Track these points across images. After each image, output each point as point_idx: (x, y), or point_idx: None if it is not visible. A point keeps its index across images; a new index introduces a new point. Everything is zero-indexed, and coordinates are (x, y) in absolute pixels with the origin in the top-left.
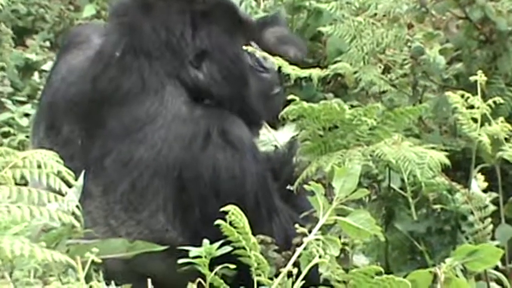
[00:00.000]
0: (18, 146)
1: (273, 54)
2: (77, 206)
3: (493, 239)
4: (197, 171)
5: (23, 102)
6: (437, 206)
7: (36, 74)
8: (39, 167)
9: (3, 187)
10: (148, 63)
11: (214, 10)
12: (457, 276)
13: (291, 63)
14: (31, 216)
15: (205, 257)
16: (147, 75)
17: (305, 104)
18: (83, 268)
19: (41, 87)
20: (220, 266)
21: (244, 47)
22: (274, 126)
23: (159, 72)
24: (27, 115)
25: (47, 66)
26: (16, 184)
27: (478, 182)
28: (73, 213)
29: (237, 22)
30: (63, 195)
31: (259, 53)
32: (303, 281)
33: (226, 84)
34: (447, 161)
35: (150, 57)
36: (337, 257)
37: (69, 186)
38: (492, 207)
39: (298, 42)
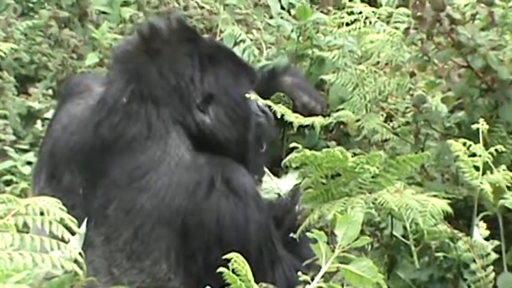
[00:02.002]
0: (20, 194)
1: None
2: (80, 253)
3: (495, 287)
4: (200, 219)
5: (25, 151)
6: (440, 254)
7: (38, 122)
8: (41, 214)
9: (5, 234)
10: (156, 109)
11: (218, 53)
12: None
13: (301, 111)
14: (33, 263)
15: None
16: (153, 121)
17: (308, 152)
18: None
19: (44, 135)
20: None
21: (246, 94)
22: (276, 174)
23: (166, 118)
24: (29, 163)
25: (50, 114)
26: (18, 231)
27: (480, 230)
28: (75, 261)
29: (239, 65)
30: (66, 242)
31: (260, 100)
32: None
33: (233, 126)
34: (449, 209)
35: (157, 103)
36: None
37: (72, 233)
38: (494, 256)
39: (315, 94)
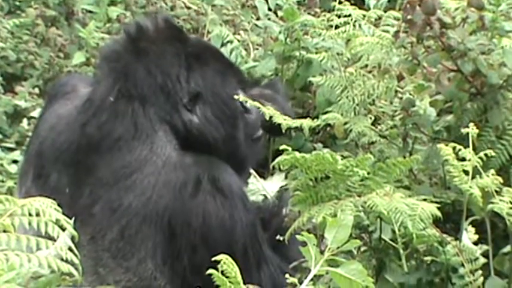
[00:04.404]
0: (6, 192)
1: None
2: (71, 250)
3: None
4: (187, 218)
5: (11, 149)
6: (428, 258)
7: (25, 121)
8: (37, 215)
9: (1, 234)
10: (143, 107)
11: (205, 53)
12: None
13: None
14: (28, 263)
15: None
16: (140, 120)
17: (297, 154)
18: None
19: (30, 134)
20: None
21: (235, 95)
22: (262, 176)
23: (152, 117)
24: (15, 162)
25: (36, 113)
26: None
27: (468, 234)
28: (68, 261)
29: (226, 65)
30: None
31: (245, 98)
32: None
33: (220, 125)
34: (439, 213)
35: (144, 102)
36: None
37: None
38: (483, 260)
39: (285, 106)
